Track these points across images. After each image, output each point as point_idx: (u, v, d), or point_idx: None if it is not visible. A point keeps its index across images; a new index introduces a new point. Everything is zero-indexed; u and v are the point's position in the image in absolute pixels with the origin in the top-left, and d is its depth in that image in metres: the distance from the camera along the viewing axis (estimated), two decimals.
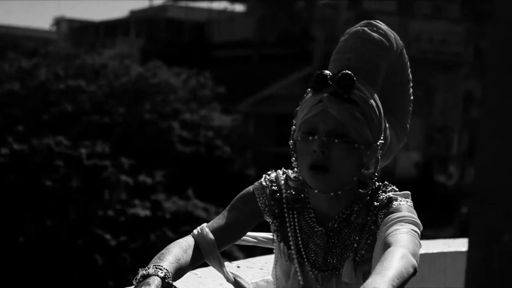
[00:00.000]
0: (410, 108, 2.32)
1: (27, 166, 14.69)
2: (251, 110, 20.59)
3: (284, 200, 2.18)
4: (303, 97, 2.17)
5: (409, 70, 2.32)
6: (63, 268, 13.92)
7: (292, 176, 2.19)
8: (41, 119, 15.81)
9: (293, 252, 2.18)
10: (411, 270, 1.86)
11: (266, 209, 2.18)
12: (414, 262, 1.89)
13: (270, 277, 2.65)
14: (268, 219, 2.19)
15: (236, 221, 2.16)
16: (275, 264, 2.27)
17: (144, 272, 1.97)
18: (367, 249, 2.08)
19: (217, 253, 2.15)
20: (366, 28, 2.22)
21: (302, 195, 2.19)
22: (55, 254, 14.01)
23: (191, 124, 16.53)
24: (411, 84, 2.31)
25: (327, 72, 2.10)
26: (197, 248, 2.12)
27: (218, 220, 2.17)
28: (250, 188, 2.21)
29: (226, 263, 2.96)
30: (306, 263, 2.17)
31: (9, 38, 23.87)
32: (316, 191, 2.08)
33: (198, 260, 2.13)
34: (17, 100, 16.13)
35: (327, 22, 23.20)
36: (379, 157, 2.11)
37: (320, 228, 2.13)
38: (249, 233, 2.36)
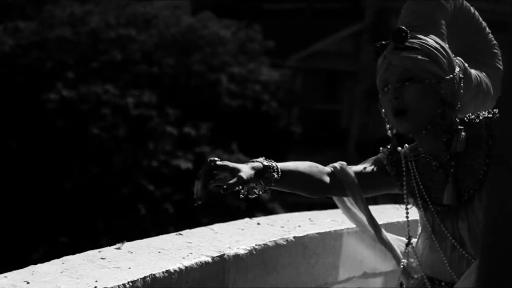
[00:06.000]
0: (496, 51, 2.50)
1: (75, 113, 14.81)
2: (299, 65, 20.39)
3: (402, 155, 2.43)
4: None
5: (480, 18, 2.50)
6: (106, 215, 14.11)
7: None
8: (90, 66, 15.88)
9: (417, 197, 2.38)
10: None
11: (388, 162, 2.43)
12: None
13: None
14: (390, 171, 2.42)
15: (365, 171, 2.42)
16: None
17: (254, 159, 2.20)
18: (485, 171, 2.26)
19: (359, 188, 2.39)
20: None
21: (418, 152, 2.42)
22: (99, 201, 14.19)
23: (239, 77, 16.46)
24: (488, 30, 2.51)
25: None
26: (330, 176, 2.35)
27: (350, 166, 2.43)
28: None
29: (246, 219, 2.92)
30: (430, 205, 2.34)
31: None
32: (409, 135, 2.34)
33: (319, 185, 2.34)
34: (67, 46, 16.19)
35: None
36: (458, 90, 2.29)
37: (434, 162, 2.34)
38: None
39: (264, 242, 2.65)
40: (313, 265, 2.83)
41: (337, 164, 2.39)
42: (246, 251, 2.56)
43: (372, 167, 2.44)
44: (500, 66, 2.48)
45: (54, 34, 16.29)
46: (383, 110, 2.36)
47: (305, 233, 2.84)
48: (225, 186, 2.07)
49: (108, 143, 14.52)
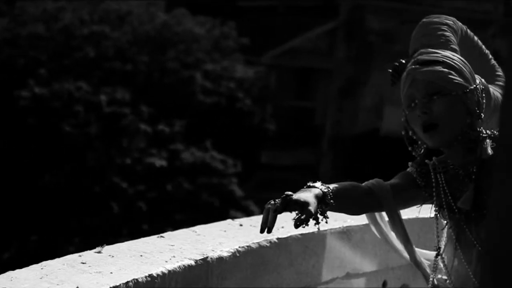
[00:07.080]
0: (499, 73, 2.57)
1: (47, 110, 14.66)
2: (274, 62, 20.35)
3: (431, 167, 2.41)
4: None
5: (483, 45, 2.61)
6: (79, 213, 13.98)
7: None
8: (63, 63, 15.74)
9: (444, 208, 2.39)
10: None
11: (417, 174, 2.42)
12: None
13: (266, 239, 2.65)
14: (420, 183, 2.42)
15: (397, 185, 2.42)
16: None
17: (311, 183, 2.23)
18: None
19: (395, 204, 2.39)
20: (425, 19, 2.56)
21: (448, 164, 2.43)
22: (72, 199, 14.05)
23: (213, 74, 16.41)
24: (491, 57, 2.61)
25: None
26: (369, 194, 2.37)
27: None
28: None
29: (228, 220, 2.88)
30: (457, 211, 2.35)
31: None
32: (441, 148, 2.36)
33: (362, 205, 2.38)
34: (40, 43, 16.04)
35: None
36: (481, 100, 2.33)
37: (461, 171, 2.36)
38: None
39: (247, 244, 2.60)
40: (297, 266, 2.78)
41: (374, 181, 2.41)
42: (229, 254, 2.51)
43: (403, 181, 2.45)
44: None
45: (27, 30, 16.14)
46: (408, 127, 2.38)
47: (289, 234, 2.79)
48: (298, 223, 2.15)
49: (81, 141, 14.39)
